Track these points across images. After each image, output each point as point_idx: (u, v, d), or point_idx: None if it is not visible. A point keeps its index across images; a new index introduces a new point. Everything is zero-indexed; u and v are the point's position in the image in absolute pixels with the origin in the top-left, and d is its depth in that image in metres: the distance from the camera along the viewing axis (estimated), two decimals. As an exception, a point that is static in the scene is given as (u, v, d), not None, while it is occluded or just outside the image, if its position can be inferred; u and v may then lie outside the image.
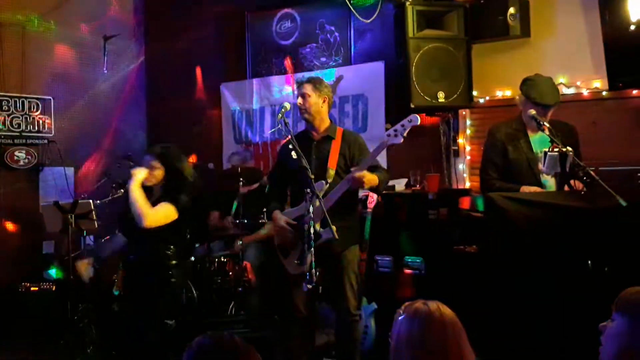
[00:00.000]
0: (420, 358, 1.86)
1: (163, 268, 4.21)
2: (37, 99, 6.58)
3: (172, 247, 4.22)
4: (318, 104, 4.24)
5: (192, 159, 6.91)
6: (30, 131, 6.49)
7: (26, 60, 6.56)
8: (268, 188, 4.64)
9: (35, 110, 6.56)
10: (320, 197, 3.77)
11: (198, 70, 7.54)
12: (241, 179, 5.66)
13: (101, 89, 7.39)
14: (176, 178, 4.22)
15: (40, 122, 6.61)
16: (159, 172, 4.21)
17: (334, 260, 4.10)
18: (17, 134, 6.41)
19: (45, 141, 6.68)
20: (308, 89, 4.23)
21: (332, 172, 4.15)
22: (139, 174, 4.12)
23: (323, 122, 4.30)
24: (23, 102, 6.47)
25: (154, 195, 4.23)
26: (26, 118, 6.49)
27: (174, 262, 4.22)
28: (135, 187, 4.08)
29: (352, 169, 3.96)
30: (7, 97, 6.36)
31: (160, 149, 4.29)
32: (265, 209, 5.38)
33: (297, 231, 4.11)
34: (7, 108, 6.35)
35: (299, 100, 4.24)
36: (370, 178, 3.94)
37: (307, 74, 6.33)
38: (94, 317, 5.51)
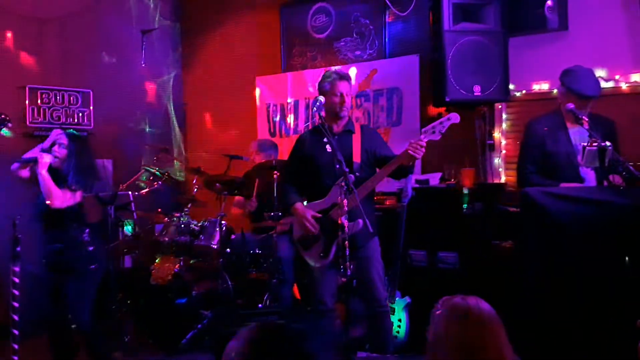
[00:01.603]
0: (458, 354, 1.85)
1: (80, 250, 4.38)
2: (76, 92, 6.70)
3: (86, 229, 4.39)
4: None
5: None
6: (70, 124, 6.61)
7: (66, 53, 6.68)
8: (285, 180, 4.60)
9: (75, 103, 6.69)
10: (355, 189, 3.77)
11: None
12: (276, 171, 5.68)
13: (139, 82, 7.50)
14: (76, 163, 4.40)
15: (80, 114, 6.73)
16: (63, 152, 4.40)
17: (358, 252, 4.09)
18: (58, 126, 6.53)
19: (85, 134, 6.80)
20: (348, 87, 4.26)
21: (357, 165, 4.17)
22: (46, 158, 4.32)
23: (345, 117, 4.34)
24: (63, 95, 6.60)
25: (61, 176, 4.39)
26: (66, 111, 6.62)
27: (89, 243, 4.39)
28: (42, 170, 4.29)
29: (411, 141, 3.92)
30: (47, 89, 6.48)
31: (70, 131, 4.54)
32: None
33: (322, 224, 4.13)
34: (47, 101, 6.48)
35: (343, 98, 4.22)
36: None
37: (341, 68, 6.37)
38: (131, 307, 5.60)
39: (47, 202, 4.27)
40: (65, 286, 4.39)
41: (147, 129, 7.50)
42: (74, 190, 4.32)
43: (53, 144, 4.41)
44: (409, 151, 3.88)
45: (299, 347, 1.66)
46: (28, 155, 4.41)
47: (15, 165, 4.44)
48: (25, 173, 4.43)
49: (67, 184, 4.32)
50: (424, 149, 3.88)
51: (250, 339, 1.64)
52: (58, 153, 4.39)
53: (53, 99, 6.52)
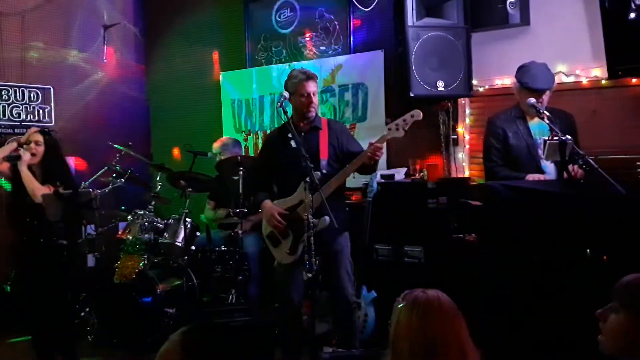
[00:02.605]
0: (419, 347, 1.86)
1: (55, 247, 4.39)
2: (37, 88, 6.57)
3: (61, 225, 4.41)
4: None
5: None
6: (30, 120, 6.48)
7: (26, 49, 6.55)
8: (253, 178, 4.58)
9: (35, 99, 6.56)
10: (320, 186, 3.77)
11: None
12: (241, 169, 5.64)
13: (101, 78, 7.38)
14: (55, 160, 4.48)
15: (41, 111, 6.61)
16: (41, 149, 4.44)
17: (327, 248, 4.09)
18: (18, 123, 6.41)
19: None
20: (314, 87, 4.22)
21: (324, 162, 4.16)
22: (25, 156, 4.36)
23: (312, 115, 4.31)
24: (23, 92, 6.47)
25: (34, 174, 4.43)
26: (26, 107, 6.49)
27: (64, 241, 4.41)
28: (24, 167, 4.34)
29: (371, 142, 3.95)
30: (7, 86, 6.35)
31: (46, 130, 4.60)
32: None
33: (289, 221, 4.12)
34: (7, 97, 6.35)
35: (310, 98, 4.18)
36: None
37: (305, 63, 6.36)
38: (95, 306, 5.52)
39: (33, 197, 4.30)
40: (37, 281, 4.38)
41: (110, 126, 7.38)
42: (58, 186, 4.32)
43: (28, 142, 4.38)
44: (369, 153, 3.92)
45: (232, 348, 1.66)
46: (7, 150, 4.42)
47: None
48: (3, 167, 4.44)
49: (52, 181, 4.32)
50: (382, 151, 3.95)
51: (180, 342, 1.65)
52: (35, 150, 4.38)
53: (13, 95, 6.39)
